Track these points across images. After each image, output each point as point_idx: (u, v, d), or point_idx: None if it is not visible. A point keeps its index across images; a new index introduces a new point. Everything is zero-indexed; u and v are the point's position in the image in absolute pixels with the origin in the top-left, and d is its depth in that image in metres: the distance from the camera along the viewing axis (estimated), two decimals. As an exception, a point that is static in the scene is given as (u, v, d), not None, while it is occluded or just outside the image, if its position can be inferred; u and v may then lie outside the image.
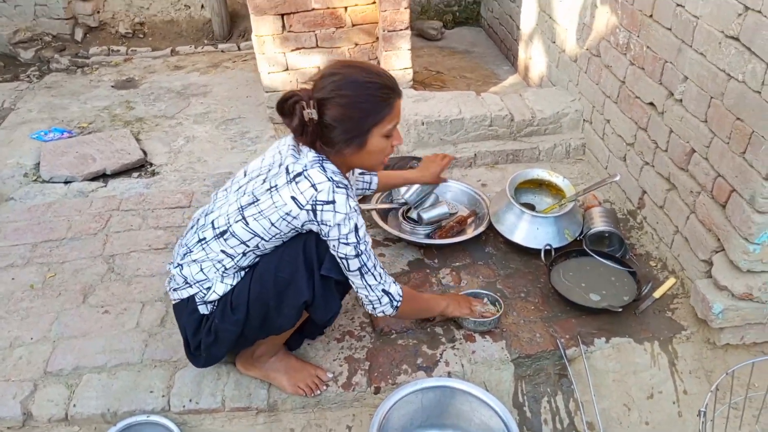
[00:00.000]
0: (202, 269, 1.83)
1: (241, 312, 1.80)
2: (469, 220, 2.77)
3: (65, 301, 2.43)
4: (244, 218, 1.73)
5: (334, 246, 1.73)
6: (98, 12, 5.63)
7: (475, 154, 3.20)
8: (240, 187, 1.81)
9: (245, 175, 1.84)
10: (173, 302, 1.94)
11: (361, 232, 1.74)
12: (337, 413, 2.07)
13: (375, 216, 2.68)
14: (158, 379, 2.09)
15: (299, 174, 1.67)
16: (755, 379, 2.04)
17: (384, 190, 2.53)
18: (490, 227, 2.66)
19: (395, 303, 1.89)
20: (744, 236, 2.00)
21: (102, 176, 3.38)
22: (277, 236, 1.74)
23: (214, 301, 1.84)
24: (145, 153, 3.60)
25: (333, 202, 1.66)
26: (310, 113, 1.63)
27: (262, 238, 1.74)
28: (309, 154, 1.72)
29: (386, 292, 1.86)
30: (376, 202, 2.80)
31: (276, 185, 1.69)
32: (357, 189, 2.25)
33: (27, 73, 5.09)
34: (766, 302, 2.08)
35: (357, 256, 1.74)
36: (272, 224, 1.71)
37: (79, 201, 3.12)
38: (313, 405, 2.05)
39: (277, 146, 1.83)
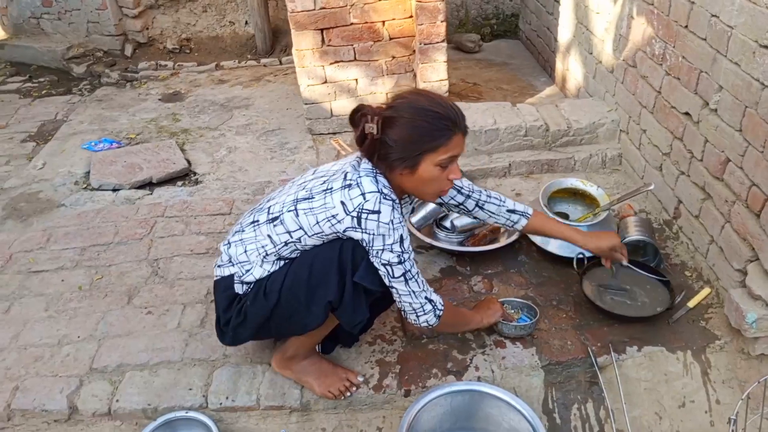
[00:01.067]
0: (246, 251, 1.91)
1: (272, 299, 1.86)
2: (503, 229, 2.80)
3: (111, 302, 2.54)
4: (296, 210, 1.81)
5: (377, 253, 1.76)
6: (147, 29, 5.85)
7: (510, 164, 3.23)
8: (304, 182, 1.89)
9: (313, 173, 1.93)
10: (215, 278, 2.02)
11: (406, 243, 1.79)
12: (368, 414, 2.11)
13: (408, 224, 2.73)
14: (197, 377, 2.17)
15: (353, 181, 1.75)
16: (791, 391, 2.01)
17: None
18: (524, 236, 2.68)
19: (438, 312, 1.92)
20: (779, 245, 1.98)
21: (148, 184, 3.52)
22: (319, 235, 1.81)
23: (251, 282, 1.92)
24: (189, 162, 3.73)
25: (378, 212, 1.71)
26: (371, 128, 1.71)
27: (306, 233, 1.81)
28: (365, 166, 1.80)
29: (429, 300, 1.89)
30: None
31: (331, 188, 1.77)
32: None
33: (79, 86, 5.32)
34: (803, 313, 2.05)
35: (401, 263, 1.78)
36: (317, 222, 1.78)
37: (126, 208, 3.26)
38: (344, 406, 2.10)
39: (349, 157, 1.92)
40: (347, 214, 1.73)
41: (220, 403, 2.09)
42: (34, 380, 2.20)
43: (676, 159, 2.65)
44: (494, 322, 2.21)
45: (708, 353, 2.19)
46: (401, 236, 1.77)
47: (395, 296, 1.88)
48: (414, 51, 3.67)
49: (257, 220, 1.91)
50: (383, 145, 1.74)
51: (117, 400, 2.11)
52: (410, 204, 2.09)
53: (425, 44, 3.51)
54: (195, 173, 3.64)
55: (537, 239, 2.61)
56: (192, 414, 2.06)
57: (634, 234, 2.56)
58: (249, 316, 1.91)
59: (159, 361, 2.24)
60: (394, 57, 3.69)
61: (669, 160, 2.71)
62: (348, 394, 2.08)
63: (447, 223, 2.71)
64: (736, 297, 2.12)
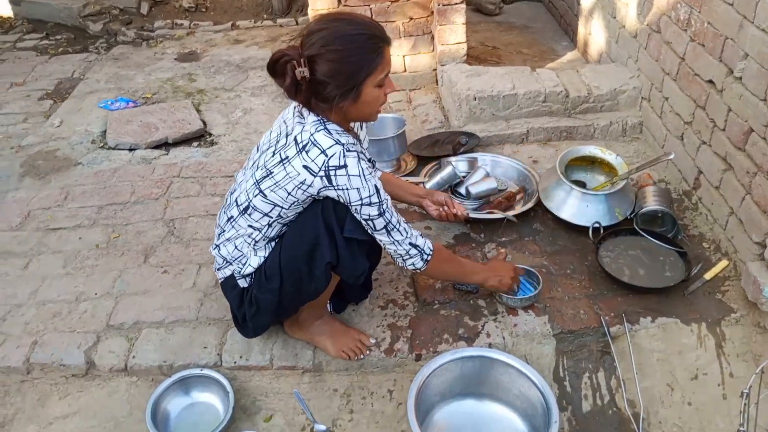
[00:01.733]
0: (236, 246, 1.91)
1: (275, 280, 1.86)
2: (518, 196, 2.78)
3: (127, 261, 2.57)
4: (261, 191, 1.79)
5: (356, 209, 1.76)
6: (163, -14, 5.79)
7: (528, 131, 3.18)
8: (254, 163, 1.87)
9: (257, 150, 1.89)
10: (219, 281, 2.05)
11: (382, 193, 1.77)
12: (379, 377, 2.13)
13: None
14: (212, 336, 2.20)
15: (308, 142, 1.70)
16: (805, 365, 2.00)
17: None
18: (539, 204, 2.66)
19: (425, 256, 1.91)
20: (800, 218, 1.94)
21: (164, 144, 3.52)
22: (295, 204, 1.79)
23: (251, 273, 1.92)
24: (204, 123, 3.72)
25: (345, 166, 1.69)
26: (302, 71, 1.64)
27: (282, 207, 1.80)
28: (310, 118, 1.74)
29: (413, 245, 1.89)
30: (425, 176, 2.83)
31: (287, 157, 1.73)
32: None
33: (95, 45, 5.29)
34: (821, 287, 2.02)
35: (381, 215, 1.77)
36: (289, 193, 1.75)
37: (142, 167, 3.27)
38: (356, 368, 2.12)
39: (282, 117, 1.87)
40: (315, 176, 1.70)
41: (234, 362, 2.12)
42: (52, 335, 2.24)
43: (697, 128, 2.59)
44: (497, 289, 2.18)
45: (723, 326, 2.17)
46: (376, 186, 1.74)
47: (381, 244, 1.88)
48: (432, 12, 3.60)
49: (232, 216, 1.90)
50: (319, 85, 1.67)
51: (133, 357, 2.16)
52: (362, 129, 2.05)
53: (444, 5, 3.44)
54: (210, 134, 3.64)
55: (552, 206, 2.59)
56: (207, 372, 2.10)
57: (652, 204, 2.53)
58: (261, 302, 1.93)
59: (175, 319, 2.27)
60: (411, 18, 3.63)
61: (691, 129, 2.65)
62: (362, 356, 2.09)
63: (462, 190, 2.69)
64: (753, 270, 2.09)
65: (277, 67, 1.68)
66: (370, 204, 1.74)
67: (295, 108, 1.83)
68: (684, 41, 2.65)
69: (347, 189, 1.71)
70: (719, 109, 2.40)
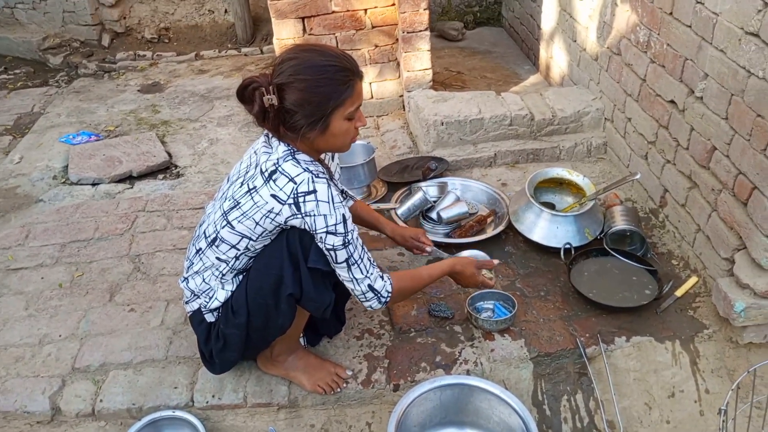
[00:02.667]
0: (204, 279, 1.87)
1: (242, 314, 1.82)
2: (489, 220, 2.78)
3: (92, 300, 2.49)
4: (229, 223, 1.75)
5: (321, 238, 1.72)
6: (124, 18, 5.74)
7: (495, 154, 3.21)
8: (223, 194, 1.84)
9: (227, 181, 1.87)
10: (188, 315, 2.00)
11: (349, 223, 1.74)
12: (357, 410, 2.09)
13: (394, 216, 2.70)
14: (182, 375, 2.14)
15: (274, 171, 1.69)
16: (778, 379, 2.02)
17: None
18: (510, 226, 2.67)
19: (382, 299, 1.87)
20: (766, 234, 1.98)
21: (128, 178, 3.45)
22: (263, 234, 1.76)
23: (218, 308, 1.88)
24: (170, 155, 3.66)
25: (314, 191, 1.67)
26: (270, 99, 1.63)
27: (250, 239, 1.76)
28: (279, 148, 1.73)
29: (371, 288, 1.84)
30: (396, 202, 2.82)
31: (255, 187, 1.71)
32: None
33: (56, 78, 5.21)
34: (790, 301, 2.05)
35: (344, 246, 1.73)
36: (257, 223, 1.72)
37: (106, 202, 3.20)
38: (333, 402, 2.07)
39: (253, 147, 1.85)
40: (283, 204, 1.68)
41: (207, 402, 2.06)
42: (15, 381, 2.15)
43: (661, 147, 2.64)
44: (466, 278, 2.14)
45: (696, 342, 2.19)
46: (343, 215, 1.71)
47: (340, 278, 1.83)
48: (397, 40, 3.63)
49: (200, 248, 1.87)
50: (287, 113, 1.67)
51: (101, 400, 2.07)
52: (334, 159, 2.04)
53: (408, 32, 3.47)
54: (176, 166, 3.58)
55: (523, 229, 2.60)
56: (178, 413, 2.03)
57: (620, 223, 2.56)
58: (228, 337, 1.88)
59: (143, 359, 2.20)
60: (377, 46, 3.65)
61: (654, 148, 2.70)
62: (338, 389, 2.05)
63: (433, 215, 2.68)
64: (724, 286, 2.12)
65: (245, 94, 1.67)
66: (335, 233, 1.71)
67: (263, 138, 1.81)
68: (644, 63, 2.71)
69: (314, 216, 1.68)
70: (682, 129, 2.45)
